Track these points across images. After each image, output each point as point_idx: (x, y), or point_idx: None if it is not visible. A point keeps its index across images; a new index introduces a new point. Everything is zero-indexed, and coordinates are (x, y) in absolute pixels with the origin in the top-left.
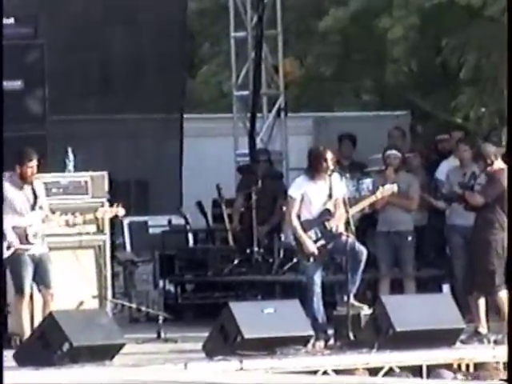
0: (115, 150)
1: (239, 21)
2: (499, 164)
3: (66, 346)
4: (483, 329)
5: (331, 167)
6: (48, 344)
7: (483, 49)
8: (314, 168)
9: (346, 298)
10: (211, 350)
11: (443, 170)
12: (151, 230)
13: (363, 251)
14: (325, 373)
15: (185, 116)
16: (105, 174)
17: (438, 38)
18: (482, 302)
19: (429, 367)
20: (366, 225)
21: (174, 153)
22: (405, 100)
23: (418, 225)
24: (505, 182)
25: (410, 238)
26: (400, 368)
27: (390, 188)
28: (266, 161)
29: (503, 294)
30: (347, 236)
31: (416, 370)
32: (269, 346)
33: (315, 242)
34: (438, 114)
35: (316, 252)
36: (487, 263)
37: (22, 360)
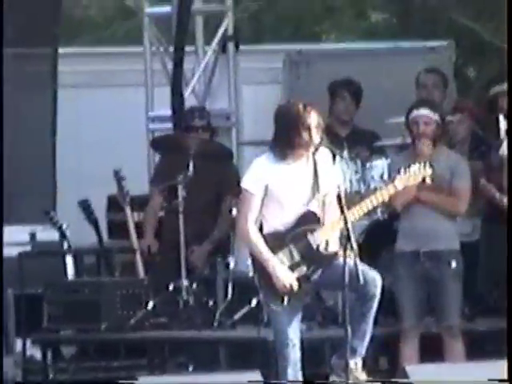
0: None
1: None
2: None
3: None
4: None
5: (317, 140)
6: None
7: None
8: (286, 141)
9: (344, 367)
10: None
11: None
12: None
13: (376, 283)
14: None
15: (60, 51)
16: None
17: None
18: None
19: None
20: (377, 240)
21: (43, 113)
22: (445, 21)
23: (469, 240)
24: None
25: (454, 265)
26: None
27: (419, 173)
28: (204, 128)
29: None
30: (346, 257)
31: None
32: None
33: (291, 269)
34: (503, 44)
35: (295, 287)
36: None
37: None
